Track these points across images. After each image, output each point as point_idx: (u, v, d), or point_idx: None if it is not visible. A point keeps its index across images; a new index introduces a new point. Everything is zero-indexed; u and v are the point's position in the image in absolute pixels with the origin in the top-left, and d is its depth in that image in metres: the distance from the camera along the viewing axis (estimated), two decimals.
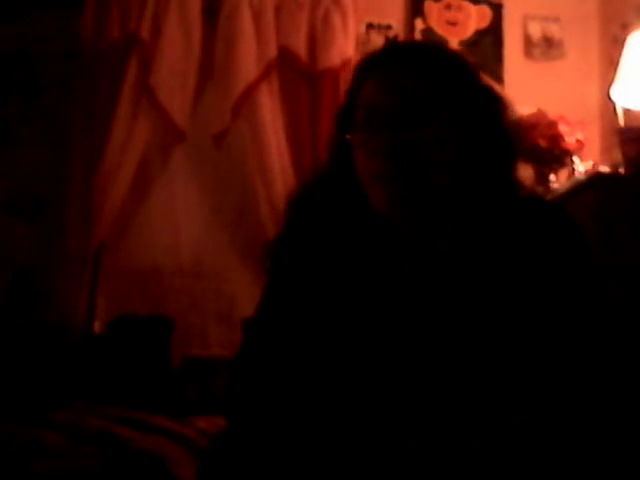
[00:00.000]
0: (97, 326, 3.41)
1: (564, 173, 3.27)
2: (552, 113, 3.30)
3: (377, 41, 3.76)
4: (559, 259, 1.26)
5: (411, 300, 1.27)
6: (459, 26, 3.85)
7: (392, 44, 1.39)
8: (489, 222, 1.28)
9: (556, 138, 3.18)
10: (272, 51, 3.59)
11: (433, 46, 1.47)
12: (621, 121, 3.29)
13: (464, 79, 1.32)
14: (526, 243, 1.26)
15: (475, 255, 1.26)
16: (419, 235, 1.29)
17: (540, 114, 3.28)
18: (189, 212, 3.76)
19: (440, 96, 1.27)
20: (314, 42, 3.63)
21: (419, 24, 3.83)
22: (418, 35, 3.80)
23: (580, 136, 3.26)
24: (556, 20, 3.90)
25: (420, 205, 1.27)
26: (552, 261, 1.26)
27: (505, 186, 1.31)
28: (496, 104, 1.34)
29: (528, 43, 3.89)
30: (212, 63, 3.62)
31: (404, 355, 1.24)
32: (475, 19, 3.87)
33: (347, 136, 1.31)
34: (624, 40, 3.18)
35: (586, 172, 2.93)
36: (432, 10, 3.85)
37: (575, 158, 3.23)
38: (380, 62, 1.32)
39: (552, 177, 3.24)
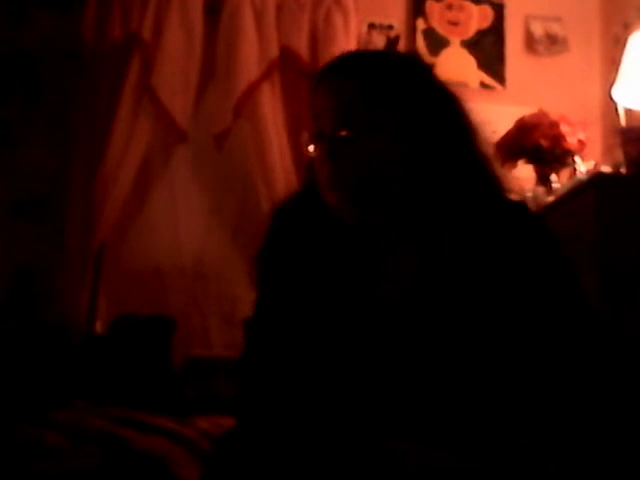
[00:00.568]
0: (98, 326, 3.41)
1: (566, 173, 3.27)
2: (554, 113, 3.30)
3: (378, 41, 3.77)
4: (524, 261, 1.26)
5: (385, 298, 1.30)
6: (460, 26, 3.85)
7: (340, 55, 1.41)
8: (449, 223, 1.29)
9: (558, 138, 3.18)
10: (274, 51, 3.59)
11: (377, 54, 1.47)
12: (623, 121, 3.29)
13: (408, 85, 1.33)
14: (487, 243, 1.27)
15: (435, 256, 1.28)
16: (376, 237, 1.33)
17: (541, 114, 3.28)
18: (190, 212, 3.76)
19: (379, 103, 1.29)
20: (316, 42, 3.64)
21: (420, 24, 3.83)
22: (419, 35, 3.81)
23: (582, 136, 3.25)
24: (557, 20, 3.90)
25: (367, 208, 1.30)
26: (518, 263, 1.26)
27: (465, 187, 1.31)
28: (451, 104, 1.35)
29: (530, 39, 3.89)
30: (214, 63, 3.62)
31: (386, 350, 1.26)
32: (477, 19, 3.87)
33: (304, 149, 1.37)
34: (626, 40, 3.18)
35: (588, 172, 2.92)
36: (433, 10, 3.85)
37: (577, 158, 3.22)
38: (326, 74, 1.36)
39: (554, 177, 3.24)
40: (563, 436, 1.20)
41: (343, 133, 1.29)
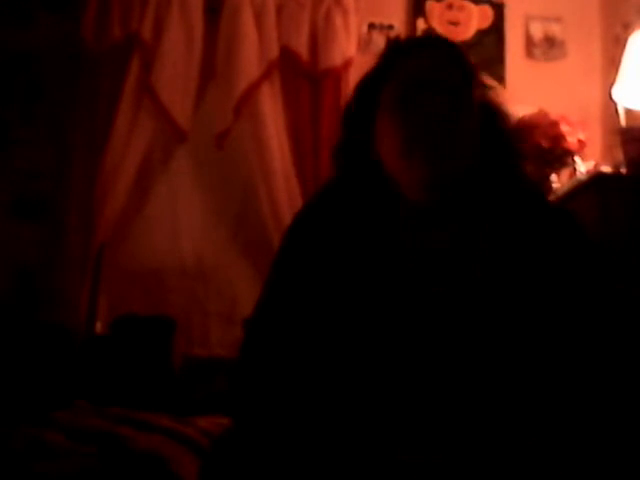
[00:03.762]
0: (99, 326, 3.41)
1: (566, 173, 3.27)
2: (554, 113, 3.30)
3: (379, 41, 3.76)
4: (563, 249, 1.30)
5: (418, 275, 1.29)
6: (461, 26, 3.85)
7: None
8: (490, 211, 1.33)
9: (558, 138, 3.18)
10: (274, 51, 3.59)
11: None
12: (623, 121, 3.29)
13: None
14: (528, 234, 1.31)
15: (472, 240, 1.30)
16: (434, 210, 1.33)
17: (542, 114, 3.28)
18: (191, 212, 3.76)
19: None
20: (315, 42, 3.63)
21: (421, 24, 3.83)
22: (420, 35, 3.80)
23: (582, 136, 3.26)
24: (558, 20, 3.90)
25: (446, 178, 1.30)
26: (556, 251, 1.30)
27: (511, 176, 1.37)
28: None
29: (529, 43, 3.89)
30: (214, 63, 3.62)
31: (413, 342, 1.25)
32: (477, 19, 3.87)
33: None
34: (626, 40, 3.18)
35: (588, 172, 2.92)
36: (434, 10, 3.85)
37: (577, 158, 3.22)
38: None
39: (554, 177, 3.24)
40: (577, 434, 1.20)
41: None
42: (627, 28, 3.47)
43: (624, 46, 3.14)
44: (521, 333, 1.23)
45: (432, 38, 1.41)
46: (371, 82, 1.39)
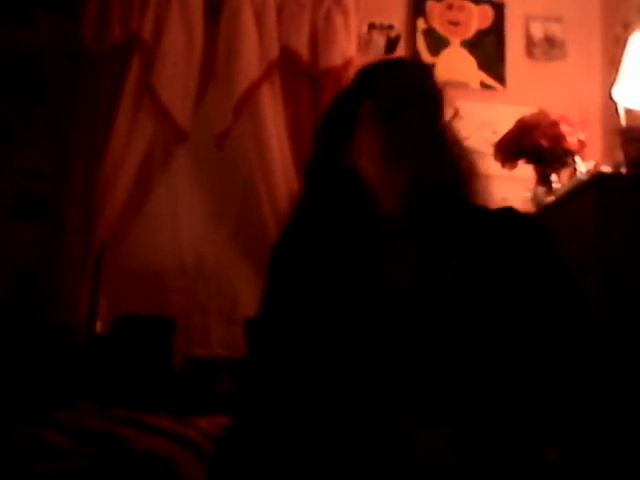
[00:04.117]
0: (99, 326, 3.41)
1: (566, 173, 3.27)
2: (554, 113, 3.30)
3: (379, 41, 3.77)
4: (528, 261, 1.34)
5: (393, 284, 1.33)
6: (461, 26, 3.85)
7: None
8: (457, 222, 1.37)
9: (558, 138, 3.18)
10: (274, 51, 3.59)
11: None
12: (623, 121, 3.28)
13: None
14: (491, 242, 1.35)
15: (443, 250, 1.34)
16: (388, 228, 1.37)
17: (542, 114, 3.28)
18: (191, 212, 3.76)
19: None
20: (316, 42, 3.64)
21: (421, 24, 3.83)
22: (420, 35, 3.80)
23: (582, 136, 3.25)
24: (558, 20, 3.91)
25: (425, 186, 1.34)
26: (522, 263, 1.34)
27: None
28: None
29: (530, 43, 3.89)
30: (214, 63, 3.62)
31: (393, 337, 1.29)
32: (477, 19, 3.87)
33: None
34: (626, 40, 3.18)
35: (588, 172, 2.92)
36: (434, 10, 3.85)
37: (577, 158, 3.22)
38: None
39: (554, 177, 3.24)
40: (567, 429, 1.22)
41: None
42: (627, 28, 3.47)
43: (624, 46, 3.14)
44: (490, 328, 1.28)
45: (404, 59, 1.47)
46: (346, 100, 1.45)
